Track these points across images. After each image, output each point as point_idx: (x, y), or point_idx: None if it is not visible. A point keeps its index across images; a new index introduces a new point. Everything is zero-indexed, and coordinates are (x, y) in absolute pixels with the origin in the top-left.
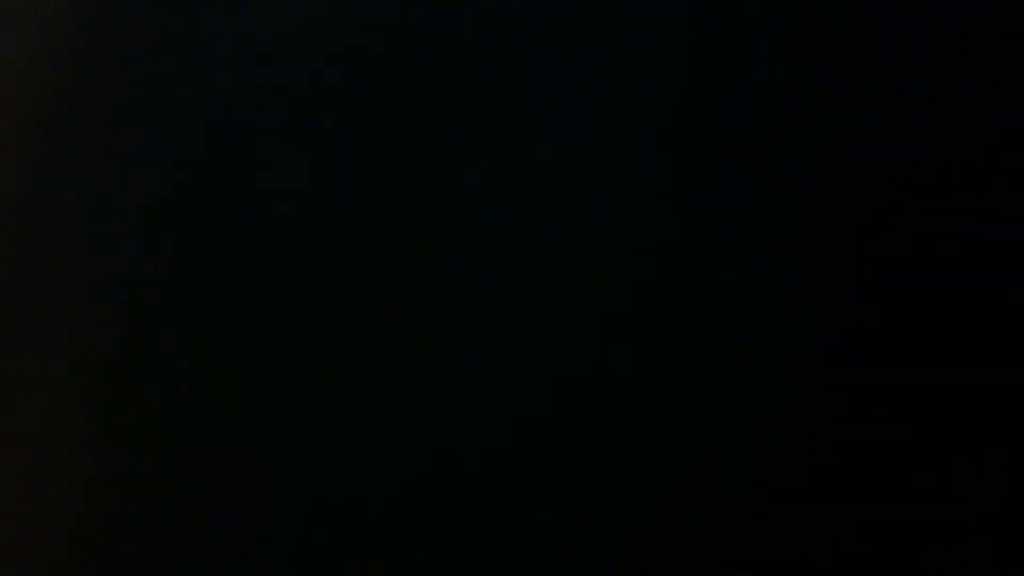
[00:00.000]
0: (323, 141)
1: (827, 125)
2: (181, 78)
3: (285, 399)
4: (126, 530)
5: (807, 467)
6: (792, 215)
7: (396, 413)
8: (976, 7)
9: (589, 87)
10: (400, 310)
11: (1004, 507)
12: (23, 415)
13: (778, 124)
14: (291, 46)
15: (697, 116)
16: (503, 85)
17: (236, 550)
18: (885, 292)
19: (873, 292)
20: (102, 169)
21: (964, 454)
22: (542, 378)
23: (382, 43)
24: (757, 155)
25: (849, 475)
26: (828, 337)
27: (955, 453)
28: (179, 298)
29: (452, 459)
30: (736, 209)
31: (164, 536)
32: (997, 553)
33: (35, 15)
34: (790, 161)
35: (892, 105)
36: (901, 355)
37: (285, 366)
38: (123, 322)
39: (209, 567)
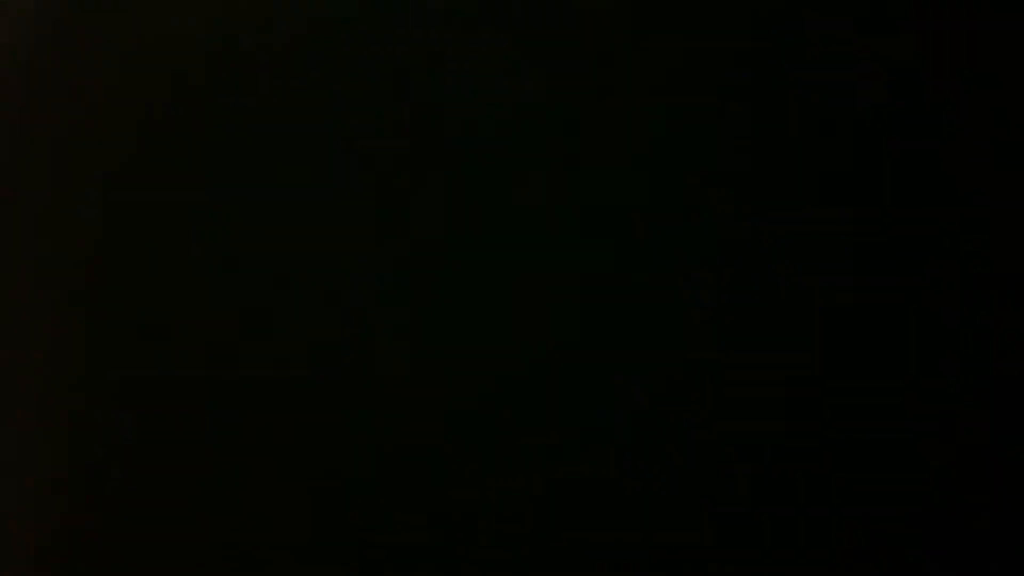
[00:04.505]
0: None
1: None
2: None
3: (278, 393)
4: (123, 531)
5: (811, 465)
6: (792, 214)
7: (396, 412)
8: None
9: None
10: (401, 302)
11: (1004, 506)
12: (6, 411)
13: (779, 121)
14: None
15: (696, 114)
16: (505, 84)
17: (232, 550)
18: (884, 292)
19: (873, 291)
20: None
21: (963, 453)
22: (537, 374)
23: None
24: (756, 149)
25: (848, 474)
26: (828, 335)
27: (954, 452)
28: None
29: (448, 454)
30: (735, 207)
31: (161, 536)
32: (996, 553)
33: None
34: (790, 159)
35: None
36: (901, 353)
37: (277, 359)
38: (103, 315)
39: (207, 567)
